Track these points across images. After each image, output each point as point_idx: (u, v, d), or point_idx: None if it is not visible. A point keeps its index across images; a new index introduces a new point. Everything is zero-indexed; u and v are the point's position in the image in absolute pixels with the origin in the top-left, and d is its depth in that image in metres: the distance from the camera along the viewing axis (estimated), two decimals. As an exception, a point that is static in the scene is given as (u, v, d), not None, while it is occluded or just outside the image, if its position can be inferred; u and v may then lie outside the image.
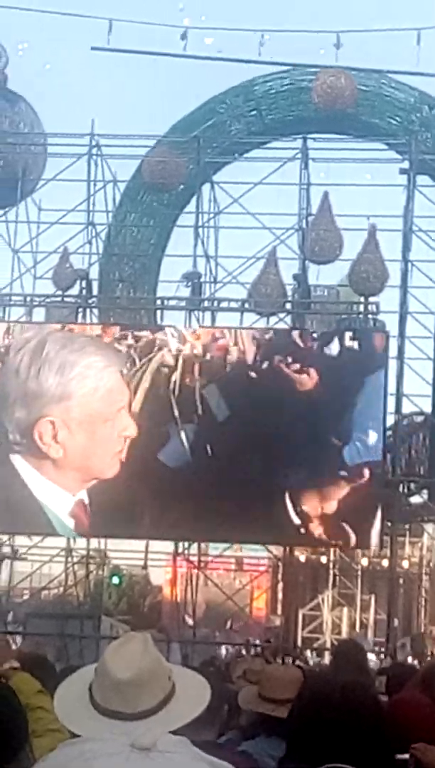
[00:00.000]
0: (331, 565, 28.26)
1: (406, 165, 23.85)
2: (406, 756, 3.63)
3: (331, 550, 26.90)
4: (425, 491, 23.42)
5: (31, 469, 19.26)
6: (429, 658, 20.72)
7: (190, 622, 24.22)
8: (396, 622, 24.21)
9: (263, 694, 5.87)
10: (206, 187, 24.97)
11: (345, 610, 29.72)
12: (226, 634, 27.67)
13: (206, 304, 24.07)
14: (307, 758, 2.66)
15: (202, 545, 24.43)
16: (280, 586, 28.69)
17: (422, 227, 23.42)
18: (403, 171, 23.87)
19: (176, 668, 3.00)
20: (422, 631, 28.59)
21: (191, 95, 26.98)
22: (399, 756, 3.52)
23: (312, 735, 2.69)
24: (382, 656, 21.34)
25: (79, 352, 18.92)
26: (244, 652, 22.01)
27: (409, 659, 20.39)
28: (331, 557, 27.86)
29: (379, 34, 27.29)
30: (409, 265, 23.29)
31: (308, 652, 24.62)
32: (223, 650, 23.69)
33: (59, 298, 23.75)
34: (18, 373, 18.99)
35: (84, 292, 23.81)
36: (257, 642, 24.13)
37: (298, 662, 15.35)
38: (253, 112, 26.05)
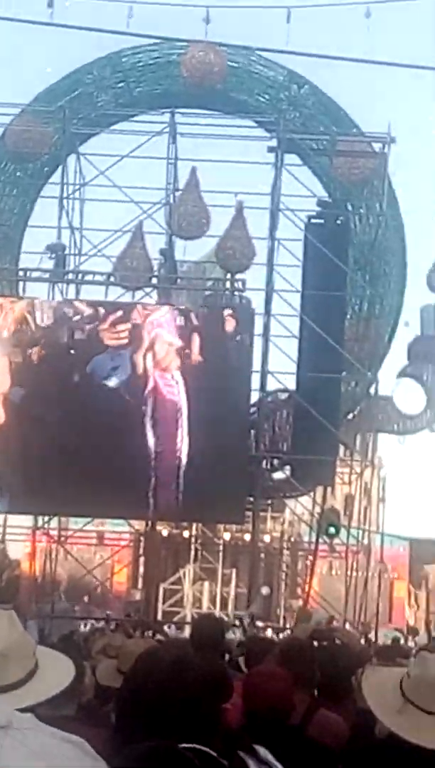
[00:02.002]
0: (192, 540, 28.44)
1: (274, 143, 23.97)
2: None
3: (193, 524, 27.08)
4: (287, 467, 23.70)
5: None
6: (287, 632, 21.00)
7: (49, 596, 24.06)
8: (269, 592, 24.52)
9: (121, 668, 5.84)
10: (72, 159, 24.68)
11: (206, 584, 29.99)
12: (85, 609, 27.61)
13: (70, 276, 23.83)
14: (130, 732, 2.62)
15: (63, 519, 24.30)
16: (142, 560, 28.78)
17: (289, 206, 23.61)
18: (271, 149, 23.97)
19: (40, 647, 2.99)
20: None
21: (57, 65, 26.58)
22: None
23: (134, 710, 2.65)
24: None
25: None
26: (102, 625, 21.97)
27: (269, 632, 20.66)
28: (193, 532, 28.03)
29: (249, 10, 27.29)
30: (276, 243, 23.47)
31: (168, 627, 24.70)
32: (82, 625, 23.61)
33: None
34: None
35: None
36: (117, 616, 24.14)
37: (158, 636, 15.38)
38: (121, 84, 25.78)
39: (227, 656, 7.49)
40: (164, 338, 21.26)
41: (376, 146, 24.19)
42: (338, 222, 23.41)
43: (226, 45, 25.06)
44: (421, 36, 30.40)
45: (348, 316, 23.70)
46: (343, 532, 24.30)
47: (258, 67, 25.52)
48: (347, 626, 19.28)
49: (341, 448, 23.88)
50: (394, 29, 30.03)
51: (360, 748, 3.88)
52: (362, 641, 14.30)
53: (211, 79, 24.55)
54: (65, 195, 24.16)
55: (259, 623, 21.80)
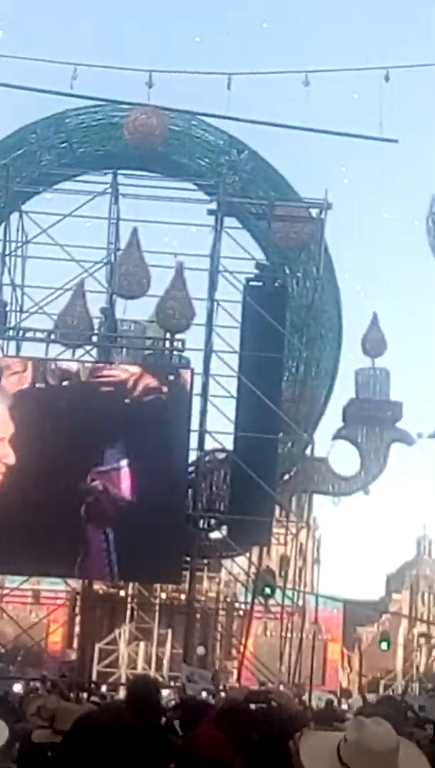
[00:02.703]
0: (129, 599, 28.26)
1: (214, 206, 24.32)
2: None
3: (130, 583, 26.93)
4: (224, 527, 23.73)
5: None
6: (223, 694, 20.91)
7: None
8: (205, 652, 24.38)
9: (58, 728, 5.87)
10: (15, 216, 24.79)
11: (142, 644, 29.76)
12: (20, 669, 27.23)
13: (11, 333, 23.85)
14: None
15: (-1, 577, 24.10)
16: (78, 619, 28.51)
17: (228, 268, 23.89)
18: (211, 212, 24.33)
19: None
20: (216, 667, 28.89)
21: (1, 123, 26.76)
22: None
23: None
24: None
25: None
26: (38, 686, 21.70)
27: (204, 694, 20.53)
28: (130, 591, 27.86)
29: (191, 76, 27.77)
30: (215, 304, 23.70)
31: (105, 687, 24.48)
32: (16, 685, 23.28)
33: None
34: None
35: None
36: (51, 676, 23.85)
37: (93, 698, 15.28)
38: (64, 144, 26.01)
39: (163, 718, 7.51)
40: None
41: (313, 212, 24.63)
42: (276, 285, 23.77)
43: (167, 109, 25.46)
44: (356, 104, 31.21)
45: (285, 378, 23.96)
46: (278, 592, 24.36)
47: (199, 131, 25.92)
48: (281, 687, 19.29)
49: (277, 509, 23.98)
50: (330, 97, 30.68)
51: None
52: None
53: (153, 142, 24.92)
54: (7, 252, 24.24)
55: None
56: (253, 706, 6.10)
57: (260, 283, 23.50)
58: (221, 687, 21.09)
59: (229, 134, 25.71)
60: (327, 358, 25.30)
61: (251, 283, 23.47)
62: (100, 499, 20.85)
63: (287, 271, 25.25)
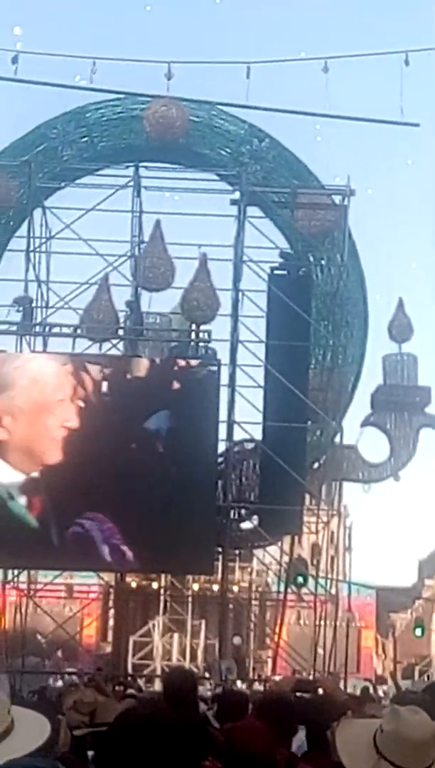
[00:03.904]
0: (162, 591, 28.32)
1: (236, 196, 24.27)
2: None
3: (162, 575, 27.01)
4: (255, 517, 23.74)
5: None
6: (257, 683, 20.97)
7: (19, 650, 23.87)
8: (241, 641, 24.37)
9: (98, 722, 5.90)
10: (38, 212, 24.83)
11: (176, 636, 29.83)
12: (55, 663, 27.39)
13: (38, 329, 23.91)
14: None
15: (32, 572, 24.18)
16: (111, 612, 28.61)
17: (252, 257, 23.82)
18: (233, 202, 24.28)
19: (15, 708, 3.06)
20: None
21: (22, 119, 26.81)
22: None
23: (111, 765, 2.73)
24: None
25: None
26: (75, 680, 21.82)
27: (239, 684, 20.58)
28: (162, 583, 27.93)
29: (210, 66, 27.71)
30: (240, 294, 23.66)
31: (141, 680, 24.57)
32: (54, 679, 23.40)
33: None
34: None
35: None
36: (87, 670, 23.96)
37: (130, 690, 15.30)
38: (85, 139, 26.03)
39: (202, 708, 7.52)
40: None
41: (336, 198, 24.54)
42: (301, 273, 23.70)
43: (187, 100, 25.41)
44: (376, 90, 31.06)
45: (312, 366, 23.89)
46: (310, 581, 24.34)
47: (219, 121, 25.87)
48: (317, 676, 19.30)
49: (307, 498, 23.96)
50: (350, 83, 30.58)
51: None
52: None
53: (174, 134, 24.86)
54: (32, 248, 24.28)
55: (230, 675, 21.74)
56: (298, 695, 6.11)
57: (285, 272, 23.44)
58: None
59: (249, 123, 25.64)
60: (353, 345, 25.24)
61: (276, 272, 23.42)
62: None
63: (311, 259, 25.18)
